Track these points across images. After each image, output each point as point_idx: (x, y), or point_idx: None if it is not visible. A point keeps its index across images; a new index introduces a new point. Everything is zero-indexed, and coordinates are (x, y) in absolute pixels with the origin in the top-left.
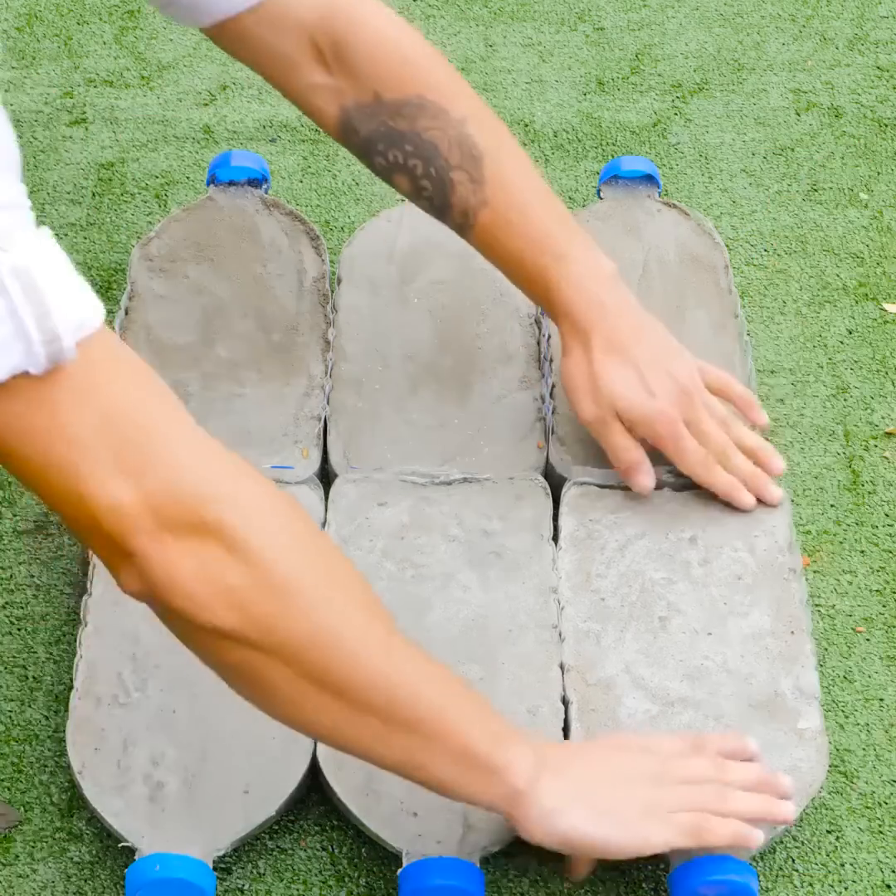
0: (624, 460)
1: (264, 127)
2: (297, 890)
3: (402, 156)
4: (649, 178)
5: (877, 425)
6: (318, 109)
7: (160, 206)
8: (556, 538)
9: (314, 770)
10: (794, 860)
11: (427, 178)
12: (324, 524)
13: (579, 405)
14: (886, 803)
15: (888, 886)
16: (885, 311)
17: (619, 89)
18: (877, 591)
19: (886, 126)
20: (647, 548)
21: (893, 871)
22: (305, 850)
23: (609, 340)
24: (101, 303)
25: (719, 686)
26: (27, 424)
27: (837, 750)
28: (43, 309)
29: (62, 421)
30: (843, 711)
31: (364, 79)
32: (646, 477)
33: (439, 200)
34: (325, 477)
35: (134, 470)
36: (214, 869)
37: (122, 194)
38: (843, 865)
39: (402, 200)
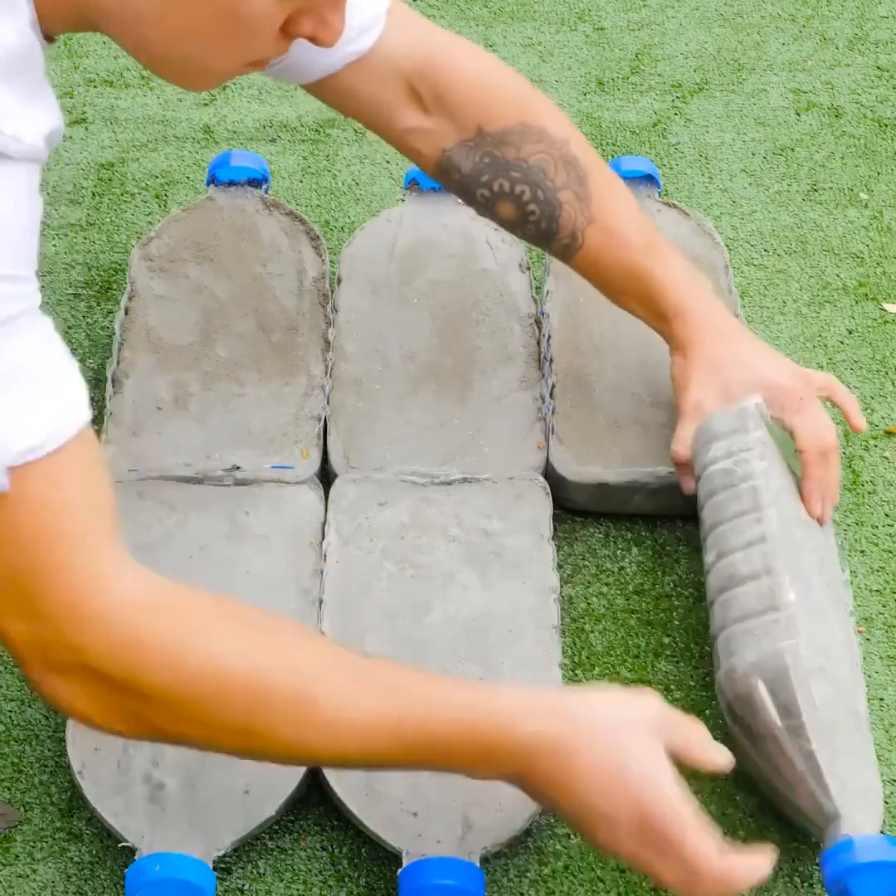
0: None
1: (264, 127)
2: (297, 890)
3: (508, 183)
4: (649, 178)
5: (877, 425)
6: (417, 152)
7: (160, 206)
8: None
9: (314, 770)
10: (793, 860)
11: (535, 201)
12: (324, 524)
13: (697, 389)
14: (886, 803)
15: None
16: (885, 311)
17: (619, 89)
18: (877, 591)
19: (886, 126)
20: None
21: None
22: (305, 850)
23: (726, 334)
24: (81, 409)
25: None
26: None
27: None
28: None
29: None
30: None
31: (466, 115)
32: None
33: (547, 223)
34: (326, 477)
35: (25, 611)
36: (214, 869)
37: (122, 194)
38: None
39: (402, 200)
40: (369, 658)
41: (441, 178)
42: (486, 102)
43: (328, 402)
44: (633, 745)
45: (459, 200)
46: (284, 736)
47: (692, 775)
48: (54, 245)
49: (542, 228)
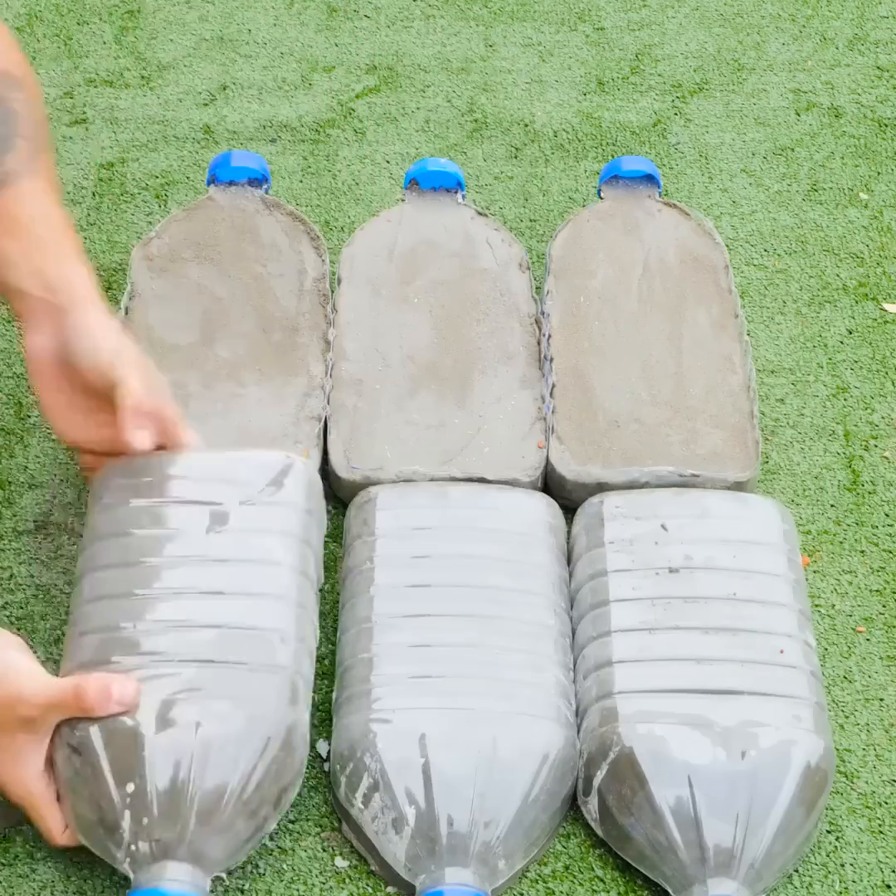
0: None
1: (264, 127)
2: (297, 890)
3: None
4: (650, 178)
5: (877, 425)
6: None
7: (160, 206)
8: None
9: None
10: None
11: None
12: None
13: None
14: (886, 803)
15: (888, 886)
16: (885, 311)
17: (619, 89)
18: (877, 591)
19: (886, 126)
20: None
21: (893, 871)
22: (305, 851)
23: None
24: None
25: None
26: None
27: (838, 750)
28: None
29: None
30: (843, 711)
31: None
32: None
33: None
34: (326, 477)
35: None
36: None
37: (121, 194)
38: (843, 865)
39: (402, 199)
40: None
41: None
42: None
43: (328, 402)
44: None
45: (461, 200)
46: None
47: None
48: None
49: None
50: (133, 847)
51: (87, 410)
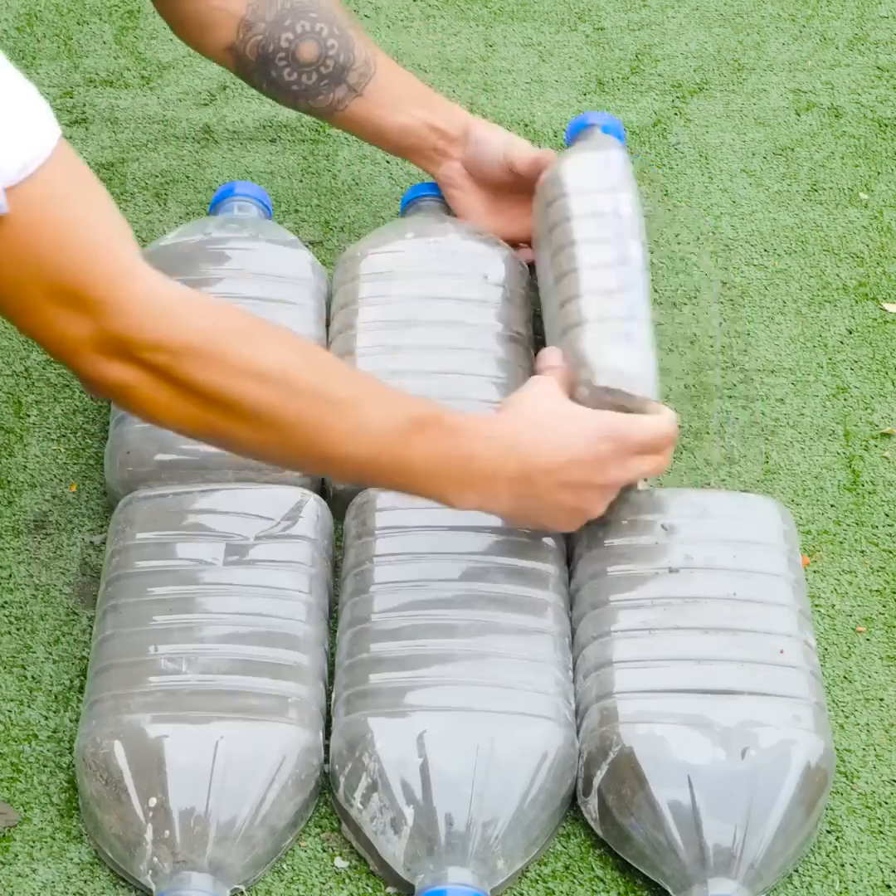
0: None
1: (264, 127)
2: (297, 890)
3: (308, 23)
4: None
5: (877, 425)
6: (223, 12)
7: (160, 206)
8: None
9: None
10: None
11: (332, 36)
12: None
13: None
14: (886, 803)
15: (888, 886)
16: (885, 311)
17: (619, 89)
18: (877, 591)
19: (886, 126)
20: None
21: (893, 871)
22: (305, 851)
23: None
24: (48, 120)
25: None
26: None
27: (838, 750)
28: None
29: (3, 269)
30: (843, 711)
31: None
32: None
33: (345, 56)
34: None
35: (68, 310)
36: None
37: (122, 194)
38: (843, 865)
39: (399, 214)
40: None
41: (246, 33)
42: None
43: None
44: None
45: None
46: (310, 428)
47: None
48: None
49: (340, 62)
50: (155, 859)
51: (499, 211)
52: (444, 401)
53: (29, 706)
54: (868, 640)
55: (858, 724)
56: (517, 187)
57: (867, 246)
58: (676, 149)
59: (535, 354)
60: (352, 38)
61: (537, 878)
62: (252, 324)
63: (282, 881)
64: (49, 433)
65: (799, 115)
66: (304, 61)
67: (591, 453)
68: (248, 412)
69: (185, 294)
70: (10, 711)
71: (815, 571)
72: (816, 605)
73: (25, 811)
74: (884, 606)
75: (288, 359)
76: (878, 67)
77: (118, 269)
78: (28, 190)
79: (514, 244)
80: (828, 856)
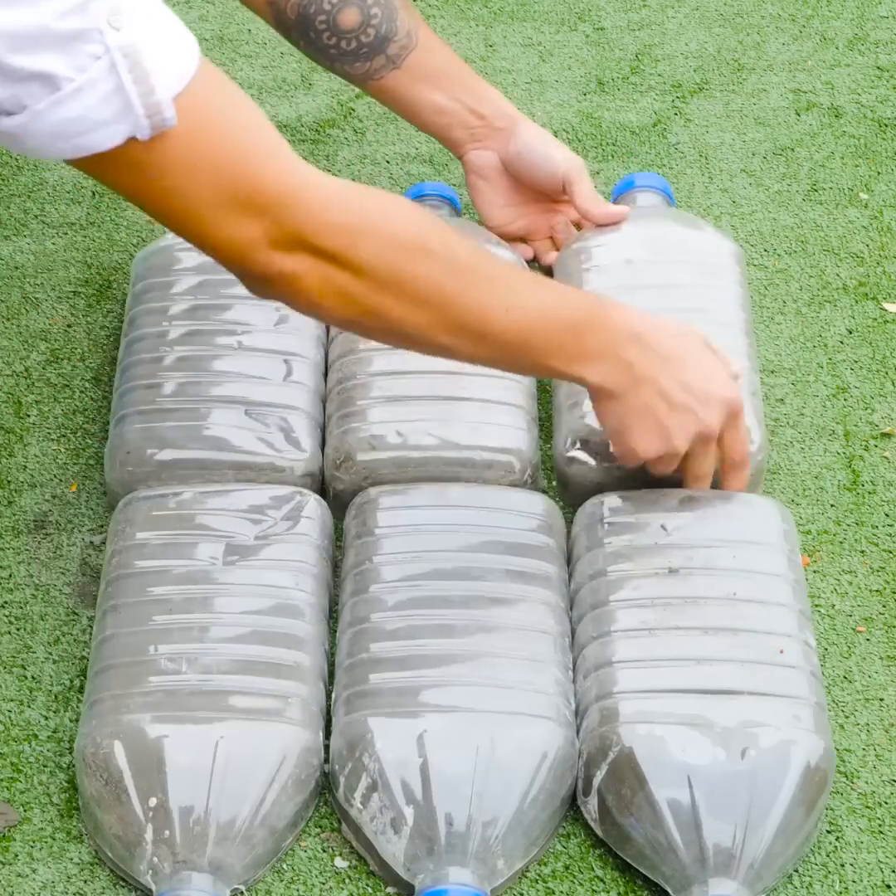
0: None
1: None
2: (297, 890)
3: None
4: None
5: (877, 425)
6: None
7: None
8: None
9: None
10: None
11: (377, 5)
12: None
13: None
14: (886, 803)
15: (888, 886)
16: (885, 310)
17: (619, 89)
18: (877, 591)
19: (886, 126)
20: None
21: (893, 871)
22: (305, 851)
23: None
24: (192, 38)
25: None
26: (143, 184)
27: (838, 750)
28: (147, 86)
29: (172, 180)
30: (843, 711)
31: None
32: None
33: (387, 25)
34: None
35: (244, 211)
36: None
37: None
38: (843, 865)
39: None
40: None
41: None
42: None
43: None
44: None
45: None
46: (471, 300)
47: None
48: (53, 243)
49: (381, 32)
50: (155, 859)
51: (513, 205)
52: (445, 400)
53: (29, 706)
54: (868, 640)
55: (858, 724)
56: (546, 192)
57: (867, 246)
58: (676, 149)
59: None
60: (396, 8)
61: (537, 878)
62: (409, 204)
63: (282, 881)
64: (49, 433)
65: (799, 115)
66: (345, 28)
67: (715, 385)
68: (419, 289)
69: (346, 183)
70: (10, 711)
71: (815, 571)
72: (816, 605)
73: (25, 811)
74: (884, 606)
75: (447, 235)
76: (878, 67)
77: (286, 167)
78: (189, 100)
79: (516, 239)
80: (828, 856)
